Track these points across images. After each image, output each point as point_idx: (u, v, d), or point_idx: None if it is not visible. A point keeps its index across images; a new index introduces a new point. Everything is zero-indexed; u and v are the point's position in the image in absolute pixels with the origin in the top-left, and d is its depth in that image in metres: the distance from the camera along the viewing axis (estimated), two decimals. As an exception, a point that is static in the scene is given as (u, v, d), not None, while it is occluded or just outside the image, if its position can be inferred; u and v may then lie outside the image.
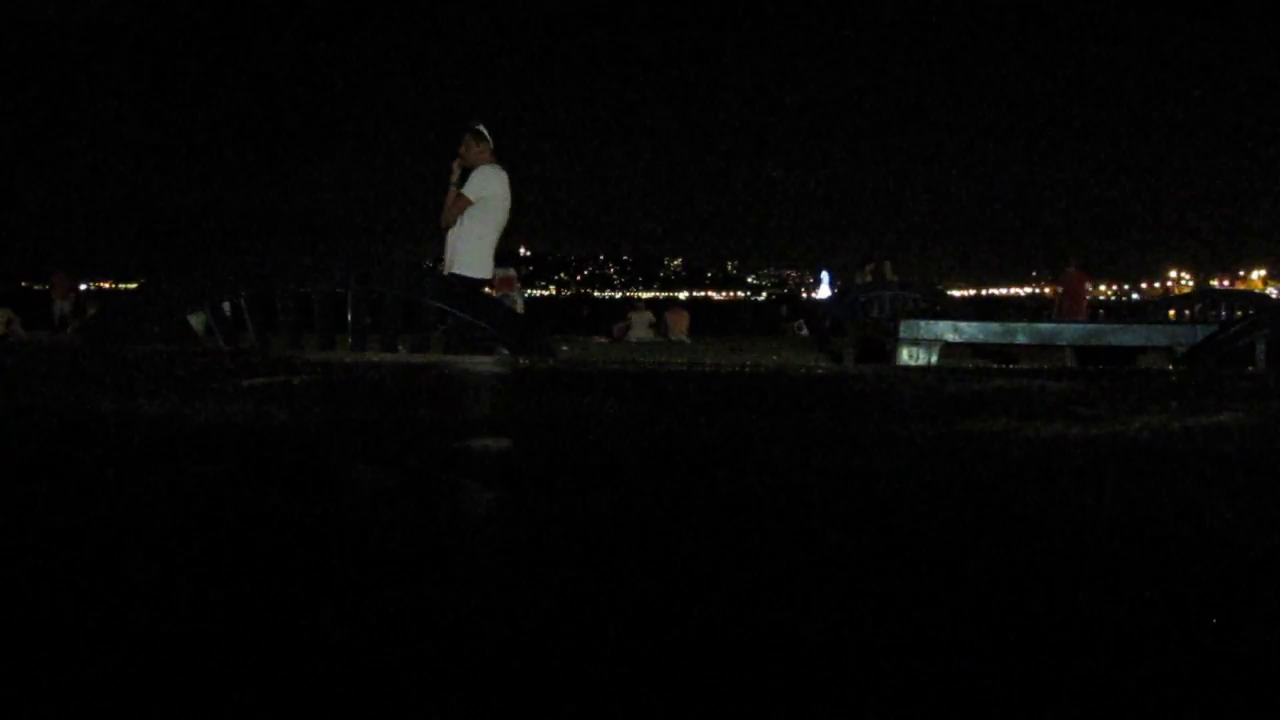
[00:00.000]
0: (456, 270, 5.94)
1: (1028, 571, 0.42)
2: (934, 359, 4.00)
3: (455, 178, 6.02)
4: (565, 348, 10.44)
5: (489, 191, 5.95)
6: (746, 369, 1.29)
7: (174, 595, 0.36)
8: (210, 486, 0.53)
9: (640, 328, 14.92)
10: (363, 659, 0.31)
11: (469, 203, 5.90)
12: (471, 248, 5.91)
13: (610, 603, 0.37)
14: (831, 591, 0.39)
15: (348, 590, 0.37)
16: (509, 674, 0.31)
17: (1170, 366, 2.89)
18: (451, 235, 5.97)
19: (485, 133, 6.07)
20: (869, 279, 13.89)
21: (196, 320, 1.98)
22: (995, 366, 1.60)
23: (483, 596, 0.37)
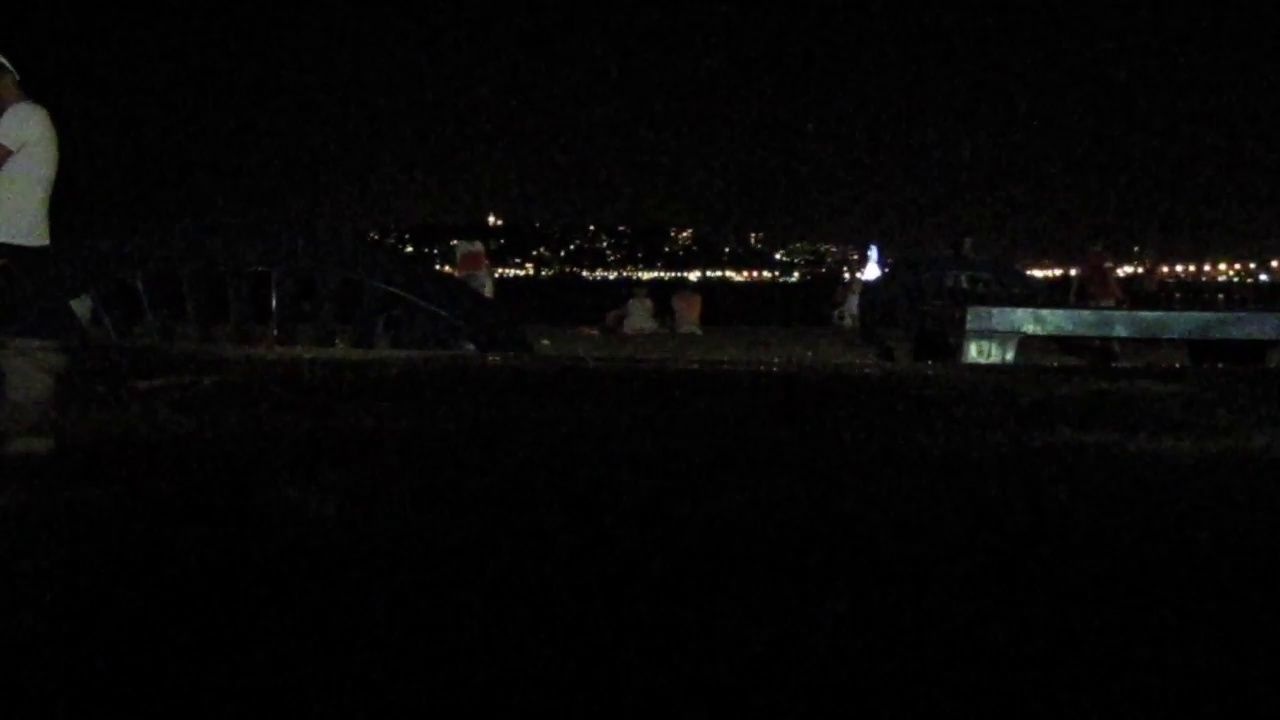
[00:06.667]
0: None
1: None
2: (1010, 355, 4.00)
3: None
4: (546, 342, 10.46)
5: (29, 134, 5.73)
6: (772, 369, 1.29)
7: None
8: (94, 513, 0.53)
9: (640, 316, 14.89)
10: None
11: (8, 151, 5.64)
12: (18, 208, 5.67)
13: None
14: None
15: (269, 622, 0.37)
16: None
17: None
18: None
19: (6, 64, 5.83)
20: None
21: (80, 306, 1.97)
22: (1088, 365, 1.59)
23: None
